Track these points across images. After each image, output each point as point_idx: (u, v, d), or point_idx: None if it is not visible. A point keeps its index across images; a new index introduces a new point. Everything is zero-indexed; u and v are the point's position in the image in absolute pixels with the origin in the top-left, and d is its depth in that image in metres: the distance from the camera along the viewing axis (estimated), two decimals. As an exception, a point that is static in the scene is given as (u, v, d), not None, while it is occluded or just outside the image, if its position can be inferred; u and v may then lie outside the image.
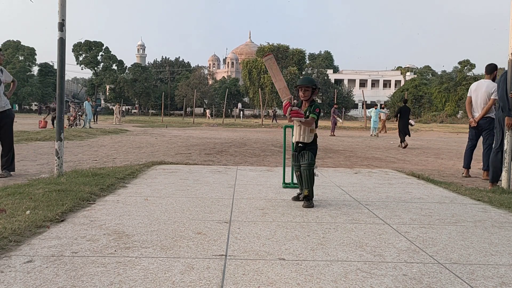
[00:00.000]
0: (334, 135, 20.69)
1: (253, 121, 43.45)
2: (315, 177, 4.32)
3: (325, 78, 69.23)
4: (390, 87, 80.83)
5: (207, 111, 60.48)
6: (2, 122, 6.10)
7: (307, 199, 4.25)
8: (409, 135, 14.62)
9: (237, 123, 38.55)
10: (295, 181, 5.42)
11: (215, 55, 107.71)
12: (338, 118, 23.19)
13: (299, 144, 4.34)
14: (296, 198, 4.49)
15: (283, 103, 4.29)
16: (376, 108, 22.71)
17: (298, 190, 4.65)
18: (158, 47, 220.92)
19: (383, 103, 36.31)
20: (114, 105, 42.35)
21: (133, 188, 5.04)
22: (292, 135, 4.54)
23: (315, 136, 4.36)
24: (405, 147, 13.61)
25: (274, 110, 51.72)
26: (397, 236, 3.27)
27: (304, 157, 4.26)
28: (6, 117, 6.14)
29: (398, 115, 14.89)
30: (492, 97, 6.82)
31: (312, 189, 4.28)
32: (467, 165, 7.19)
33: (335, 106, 23.04)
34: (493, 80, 6.97)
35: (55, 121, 20.29)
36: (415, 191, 5.27)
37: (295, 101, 4.35)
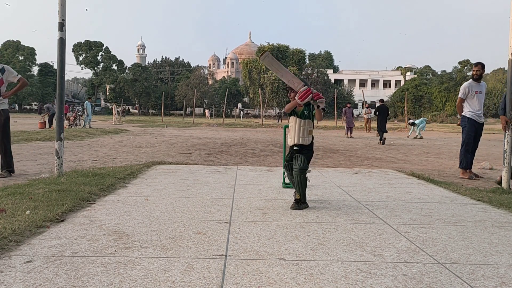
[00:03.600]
0: (353, 137, 19.38)
1: (253, 121, 43.44)
2: (307, 183, 4.16)
3: (325, 78, 69.19)
4: (390, 87, 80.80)
5: (207, 111, 59.45)
6: None
7: (297, 202, 4.14)
8: (386, 132, 15.92)
9: (237, 123, 38.55)
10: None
11: (215, 55, 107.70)
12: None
13: (294, 148, 4.15)
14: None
15: (301, 90, 3.87)
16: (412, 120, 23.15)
17: None
18: (158, 47, 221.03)
19: (367, 102, 35.65)
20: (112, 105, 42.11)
21: (133, 188, 5.04)
22: (286, 138, 4.26)
23: (312, 138, 4.20)
24: (383, 143, 14.80)
25: (280, 112, 51.44)
26: (397, 236, 3.27)
27: (297, 161, 4.08)
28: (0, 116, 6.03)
29: (377, 113, 16.58)
30: (459, 96, 7.10)
31: (304, 193, 4.16)
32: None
33: (348, 105, 21.50)
34: (472, 78, 7.08)
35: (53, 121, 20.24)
36: (415, 191, 5.27)
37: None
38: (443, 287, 2.29)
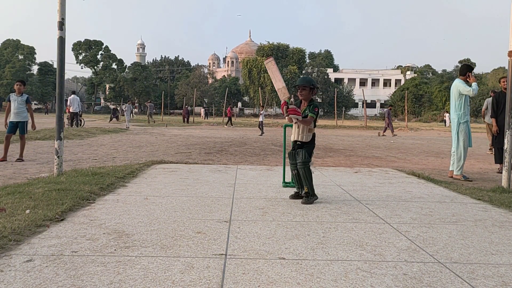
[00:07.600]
0: (385, 135, 21.00)
1: (253, 120, 43.41)
2: (312, 173, 4.40)
3: (325, 77, 69.13)
4: (390, 86, 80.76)
5: (202, 110, 55.81)
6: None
7: (306, 196, 4.34)
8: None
9: (237, 122, 38.51)
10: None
11: (215, 54, 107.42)
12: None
13: (297, 142, 4.44)
14: (294, 196, 4.52)
15: (281, 103, 4.40)
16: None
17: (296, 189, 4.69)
18: (158, 46, 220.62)
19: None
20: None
21: (133, 187, 5.03)
22: (290, 134, 4.62)
23: (313, 135, 4.47)
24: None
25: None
26: (397, 235, 3.26)
27: (299, 155, 4.35)
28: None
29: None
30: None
31: (311, 185, 4.35)
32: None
33: (389, 108, 23.11)
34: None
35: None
36: (415, 190, 5.27)
37: (291, 99, 4.47)
38: (444, 287, 2.28)
